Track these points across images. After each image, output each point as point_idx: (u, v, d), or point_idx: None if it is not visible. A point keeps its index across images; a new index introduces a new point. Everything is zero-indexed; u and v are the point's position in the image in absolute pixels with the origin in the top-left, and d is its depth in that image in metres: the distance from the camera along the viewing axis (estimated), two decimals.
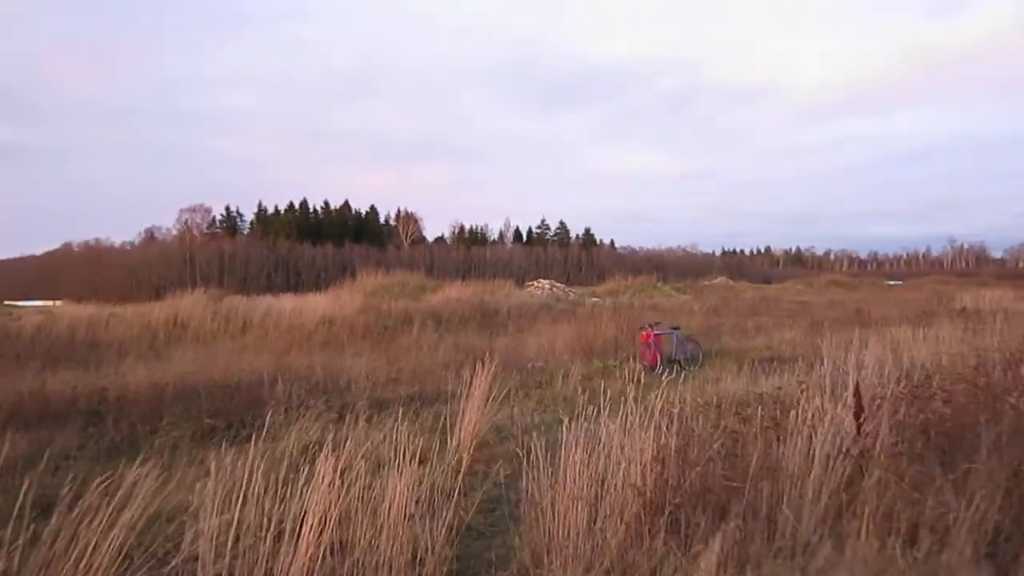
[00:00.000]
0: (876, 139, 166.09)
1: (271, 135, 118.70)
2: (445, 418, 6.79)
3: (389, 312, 20.16)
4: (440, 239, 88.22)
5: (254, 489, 3.59)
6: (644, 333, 12.74)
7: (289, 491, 3.67)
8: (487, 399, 7.14)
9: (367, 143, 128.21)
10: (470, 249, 78.20)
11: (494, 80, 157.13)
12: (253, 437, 3.92)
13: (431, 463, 6.34)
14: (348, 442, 4.21)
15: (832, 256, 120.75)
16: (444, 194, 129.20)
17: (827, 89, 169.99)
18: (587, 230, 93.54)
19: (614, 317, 13.11)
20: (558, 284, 34.48)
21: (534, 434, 4.51)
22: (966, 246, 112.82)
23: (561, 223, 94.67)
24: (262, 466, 3.69)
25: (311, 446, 6.69)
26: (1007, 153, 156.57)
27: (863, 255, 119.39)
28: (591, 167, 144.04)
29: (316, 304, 20.66)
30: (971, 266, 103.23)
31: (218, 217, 78.23)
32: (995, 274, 76.07)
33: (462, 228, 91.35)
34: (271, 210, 78.91)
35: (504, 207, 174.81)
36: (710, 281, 42.34)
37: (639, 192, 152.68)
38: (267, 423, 7.87)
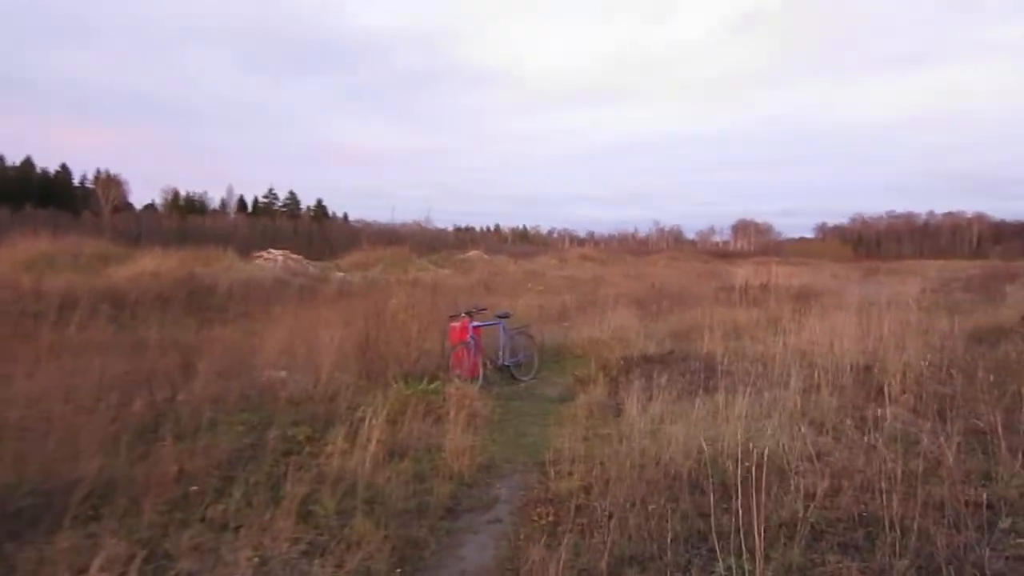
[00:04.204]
0: (590, 129, 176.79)
1: None
2: None
3: (39, 292, 13.29)
4: (151, 206, 76.26)
5: None
6: (458, 325, 8.12)
7: None
8: None
9: (70, 97, 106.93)
10: (186, 218, 68.29)
11: (223, 39, 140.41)
12: None
13: None
14: None
15: (555, 235, 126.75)
16: (159, 158, 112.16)
17: (554, 79, 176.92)
18: (319, 202, 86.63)
19: (409, 301, 8.22)
20: (294, 256, 28.44)
21: None
22: (667, 228, 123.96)
23: (291, 193, 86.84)
24: None
25: None
26: (696, 148, 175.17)
27: (582, 234, 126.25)
28: (324, 139, 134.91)
29: None
30: (669, 246, 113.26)
31: None
32: (697, 251, 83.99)
33: (176, 194, 79.44)
34: None
35: (228, 175, 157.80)
36: (465, 255, 38.72)
37: (373, 168, 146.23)
38: None
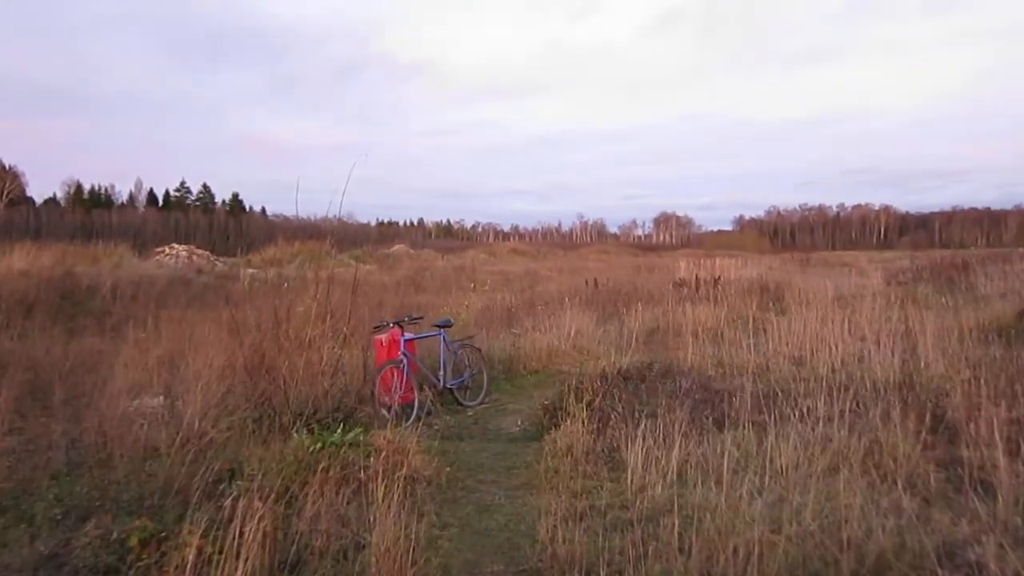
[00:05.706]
0: (516, 123, 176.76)
1: None
2: None
3: None
4: (52, 200, 71.39)
5: None
6: (385, 338, 6.34)
7: None
8: None
9: None
10: (91, 212, 64.06)
11: (134, 26, 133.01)
12: None
13: None
14: None
15: (480, 228, 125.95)
16: (62, 150, 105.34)
17: (477, 73, 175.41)
18: (235, 195, 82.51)
19: (321, 307, 6.34)
20: (200, 251, 25.90)
21: None
22: (591, 222, 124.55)
23: (205, 186, 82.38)
24: None
25: None
26: (617, 143, 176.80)
27: (506, 228, 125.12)
28: (241, 131, 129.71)
29: None
30: (594, 239, 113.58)
31: None
32: (621, 244, 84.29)
33: (79, 187, 74.28)
34: None
35: (137, 168, 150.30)
36: (389, 249, 36.65)
37: (293, 161, 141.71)
38: None
